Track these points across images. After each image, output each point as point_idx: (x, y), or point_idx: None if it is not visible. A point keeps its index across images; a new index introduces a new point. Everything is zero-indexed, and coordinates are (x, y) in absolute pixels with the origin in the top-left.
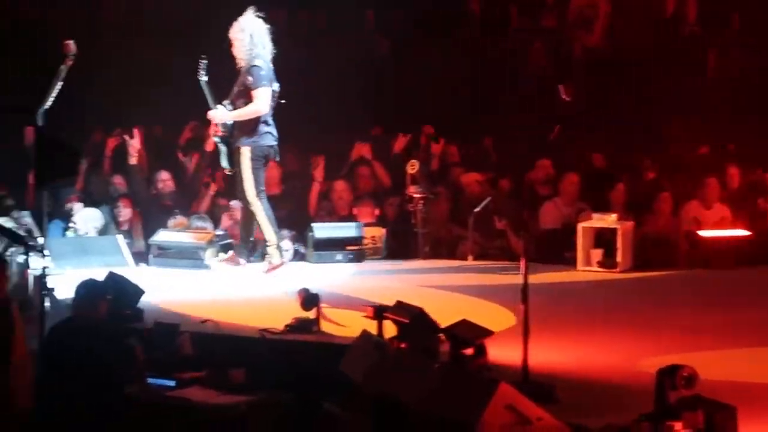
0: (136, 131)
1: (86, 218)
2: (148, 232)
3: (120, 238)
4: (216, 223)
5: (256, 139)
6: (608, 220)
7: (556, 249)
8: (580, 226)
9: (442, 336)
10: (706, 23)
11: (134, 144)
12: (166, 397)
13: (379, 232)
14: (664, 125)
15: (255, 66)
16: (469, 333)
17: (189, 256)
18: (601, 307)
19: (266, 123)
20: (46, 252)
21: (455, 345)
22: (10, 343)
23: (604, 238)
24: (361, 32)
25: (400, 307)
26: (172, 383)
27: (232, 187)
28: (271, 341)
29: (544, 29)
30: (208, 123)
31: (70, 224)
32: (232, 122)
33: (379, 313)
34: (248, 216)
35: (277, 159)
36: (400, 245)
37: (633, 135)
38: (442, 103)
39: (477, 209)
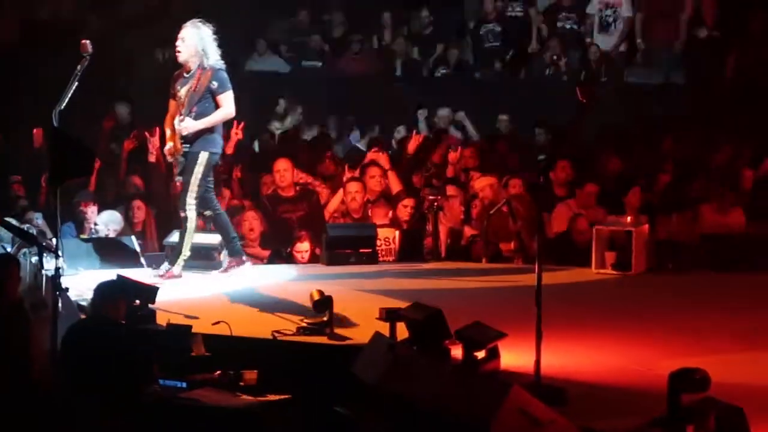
0: (156, 129)
1: (107, 221)
2: (164, 233)
3: (133, 239)
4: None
5: (214, 146)
6: (623, 222)
7: (568, 251)
8: (595, 228)
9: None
10: (725, 26)
11: (154, 142)
12: (178, 398)
13: (393, 233)
14: (681, 128)
15: (220, 70)
16: (482, 335)
17: (202, 257)
18: (613, 309)
19: (218, 130)
20: (59, 253)
21: (468, 347)
22: (28, 344)
23: (618, 241)
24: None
25: (414, 309)
26: (183, 384)
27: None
28: (283, 343)
29: (562, 31)
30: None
31: (91, 227)
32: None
33: (392, 314)
34: (219, 220)
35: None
36: (413, 247)
37: (650, 138)
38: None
39: (492, 211)
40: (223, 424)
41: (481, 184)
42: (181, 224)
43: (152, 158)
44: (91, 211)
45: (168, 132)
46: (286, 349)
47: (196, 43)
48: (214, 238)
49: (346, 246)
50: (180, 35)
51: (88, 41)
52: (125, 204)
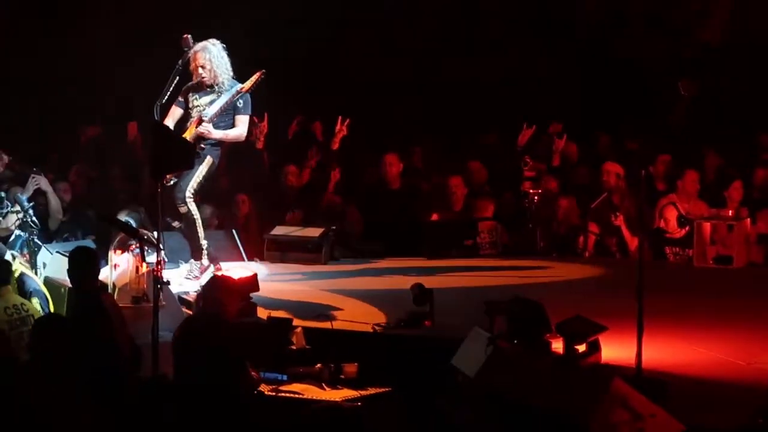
0: (265, 114)
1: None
2: (266, 226)
3: (234, 233)
4: (333, 219)
5: (218, 157)
6: (724, 216)
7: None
8: (696, 222)
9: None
10: None
11: (262, 128)
12: (280, 392)
13: (495, 227)
14: None
15: (248, 92)
16: (582, 329)
17: (306, 250)
18: (714, 303)
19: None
20: (161, 246)
21: (569, 341)
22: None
23: (720, 235)
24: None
25: (515, 302)
26: (284, 377)
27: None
28: (383, 336)
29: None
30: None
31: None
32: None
33: (492, 308)
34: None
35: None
36: (515, 241)
37: (750, 130)
38: (561, 101)
39: (594, 204)
40: (325, 417)
41: (608, 169)
42: (180, 219)
43: (259, 144)
44: None
45: None
46: (386, 342)
47: (215, 66)
48: (315, 231)
49: (448, 239)
50: (198, 63)
51: (189, 36)
52: (227, 198)
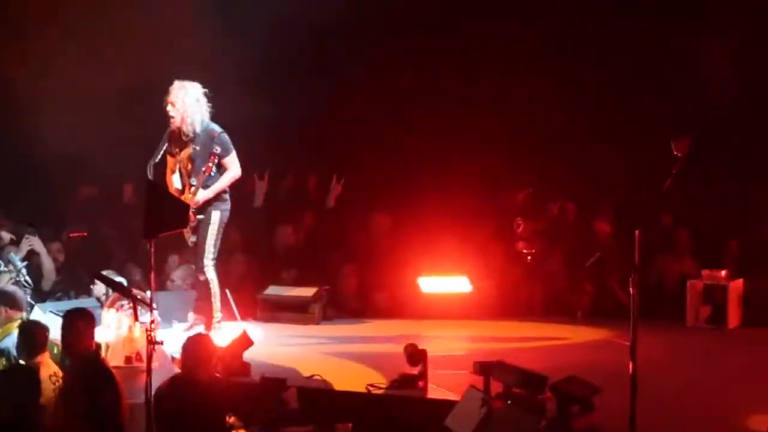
0: (266, 174)
1: (184, 275)
2: (261, 286)
3: (228, 293)
4: (329, 279)
5: (224, 203)
6: (717, 277)
7: (660, 302)
8: (689, 282)
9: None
10: None
11: (261, 185)
12: None
13: (488, 286)
14: None
15: (222, 132)
16: (576, 389)
17: (296, 310)
18: (709, 363)
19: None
20: (154, 306)
21: (562, 401)
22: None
23: (713, 296)
24: None
25: (507, 364)
26: None
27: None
28: (377, 396)
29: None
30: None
31: (168, 281)
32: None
33: (486, 369)
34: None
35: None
36: (509, 301)
37: (744, 189)
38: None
39: (588, 264)
40: None
41: (601, 227)
42: (201, 288)
43: (258, 203)
44: (171, 261)
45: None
46: (379, 402)
47: (187, 107)
48: (309, 291)
49: (438, 298)
50: (169, 99)
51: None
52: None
